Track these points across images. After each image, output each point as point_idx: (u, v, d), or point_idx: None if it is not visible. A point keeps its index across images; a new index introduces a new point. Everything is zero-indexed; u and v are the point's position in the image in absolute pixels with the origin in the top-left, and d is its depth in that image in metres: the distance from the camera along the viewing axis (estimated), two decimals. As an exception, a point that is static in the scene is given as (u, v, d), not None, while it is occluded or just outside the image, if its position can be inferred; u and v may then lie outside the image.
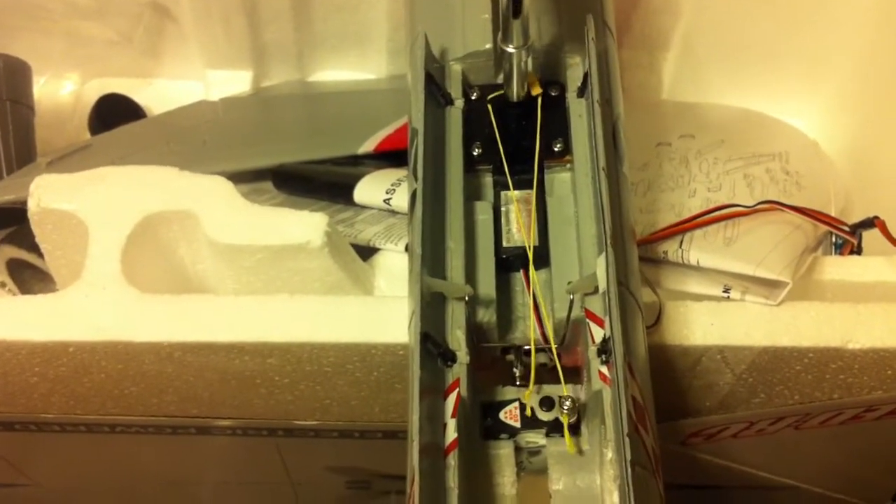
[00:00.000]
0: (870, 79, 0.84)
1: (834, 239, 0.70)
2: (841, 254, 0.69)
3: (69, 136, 0.88)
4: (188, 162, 0.73)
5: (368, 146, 0.75)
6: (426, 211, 0.48)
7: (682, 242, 0.62)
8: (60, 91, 0.91)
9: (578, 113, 0.53)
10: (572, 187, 0.53)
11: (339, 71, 0.94)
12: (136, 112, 0.89)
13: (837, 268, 0.65)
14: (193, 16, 0.87)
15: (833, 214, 0.72)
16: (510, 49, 0.50)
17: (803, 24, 0.84)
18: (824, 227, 0.66)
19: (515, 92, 0.53)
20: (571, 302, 0.48)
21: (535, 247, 0.51)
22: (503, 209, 0.53)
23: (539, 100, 0.53)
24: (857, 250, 0.68)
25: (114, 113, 0.88)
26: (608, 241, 0.45)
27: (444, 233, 0.50)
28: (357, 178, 0.73)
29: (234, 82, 0.92)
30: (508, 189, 0.53)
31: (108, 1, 0.86)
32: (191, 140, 0.80)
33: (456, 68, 0.55)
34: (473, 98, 0.55)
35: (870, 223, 0.65)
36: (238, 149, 0.79)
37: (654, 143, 0.76)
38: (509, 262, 0.52)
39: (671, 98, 0.89)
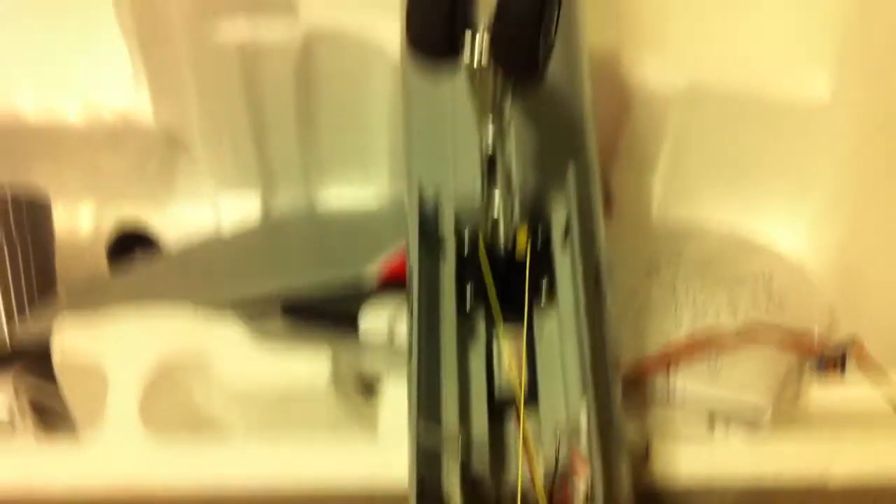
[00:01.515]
0: (852, 197, 0.87)
1: (818, 359, 0.73)
2: (824, 372, 0.72)
3: (87, 263, 0.93)
4: (201, 293, 0.77)
5: (373, 269, 0.79)
6: (422, 360, 0.52)
7: (668, 371, 0.65)
8: (78, 219, 0.95)
9: (563, 257, 0.56)
10: (559, 329, 0.56)
11: (343, 189, 0.99)
12: (151, 243, 0.93)
13: (820, 389, 0.68)
14: (204, 144, 0.92)
15: (816, 334, 0.75)
16: (495, 202, 0.54)
17: (786, 145, 0.88)
18: (807, 349, 0.69)
19: (503, 236, 0.56)
20: (559, 444, 0.51)
21: (525, 385, 0.54)
22: (495, 349, 0.56)
23: (528, 246, 0.57)
24: (841, 368, 0.71)
25: (130, 245, 0.92)
26: (590, 388, 0.49)
27: (440, 376, 0.54)
28: (362, 309, 0.76)
29: (243, 202, 0.96)
30: (500, 329, 0.56)
31: (123, 134, 0.91)
32: (203, 271, 0.84)
33: (449, 210, 0.58)
34: (466, 243, 0.58)
35: (849, 344, 0.68)
36: (247, 279, 0.83)
37: (643, 268, 0.79)
38: (502, 402, 0.55)
39: (661, 216, 0.92)
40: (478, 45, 0.46)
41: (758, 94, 0.85)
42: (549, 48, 0.47)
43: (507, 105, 0.50)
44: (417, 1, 0.46)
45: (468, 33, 0.46)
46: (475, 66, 0.47)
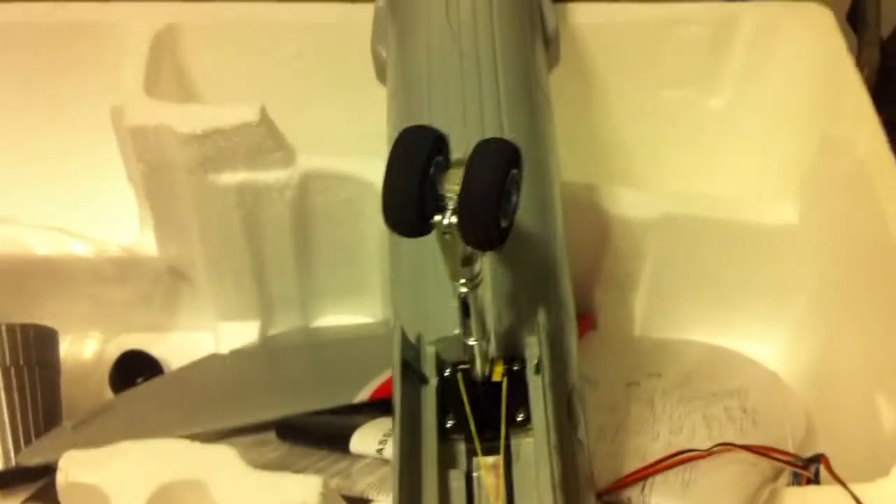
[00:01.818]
0: (827, 305, 0.90)
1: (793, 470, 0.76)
2: (799, 483, 0.75)
3: (92, 391, 0.96)
4: (200, 419, 0.81)
5: (364, 395, 0.83)
6: (403, 487, 0.55)
7: (644, 488, 0.68)
8: (84, 349, 1.00)
9: (536, 388, 0.60)
10: (535, 454, 0.59)
11: (339, 315, 1.03)
12: (153, 366, 0.97)
13: (795, 498, 0.70)
14: (207, 277, 0.96)
15: (791, 446, 0.78)
16: (471, 342, 0.58)
17: (759, 266, 0.92)
18: (780, 462, 0.72)
19: (480, 374, 0.60)
20: (532, 565, 0.54)
21: None
22: (475, 475, 0.60)
23: (504, 381, 0.61)
24: (815, 480, 0.74)
25: (132, 368, 0.96)
26: None
27: (420, 502, 0.57)
28: (353, 429, 0.80)
29: (243, 332, 1.00)
30: (479, 456, 0.59)
31: (129, 268, 0.95)
32: (202, 396, 0.88)
33: (430, 350, 0.62)
34: (447, 374, 0.62)
35: (817, 459, 0.71)
36: (245, 403, 0.87)
37: (624, 382, 0.83)
38: (482, 522, 0.58)
39: (643, 332, 0.97)
40: (446, 224, 0.52)
41: (729, 219, 0.90)
42: (510, 222, 0.53)
43: (478, 260, 0.55)
44: (389, 198, 0.52)
45: (437, 217, 0.52)
46: (444, 239, 0.53)
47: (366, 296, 1.01)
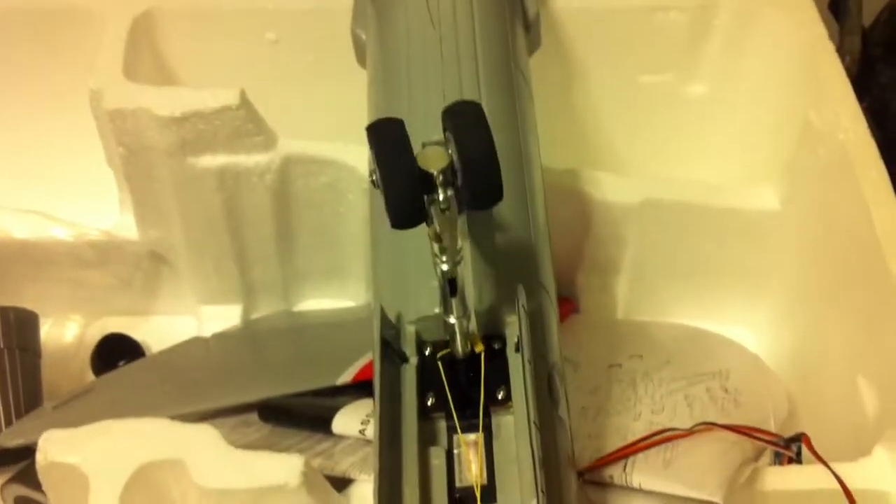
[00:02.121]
0: (807, 290, 0.91)
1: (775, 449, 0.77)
2: (781, 463, 0.75)
3: (72, 375, 0.95)
4: (182, 401, 0.81)
5: (346, 377, 0.83)
6: (384, 463, 0.55)
7: (625, 466, 0.68)
8: (65, 333, 0.99)
9: (516, 366, 0.60)
10: (515, 430, 0.59)
11: (321, 300, 1.03)
12: (135, 349, 0.97)
13: (776, 477, 0.71)
14: (188, 261, 0.96)
15: (773, 426, 0.79)
16: (451, 320, 0.58)
17: (740, 250, 0.92)
18: (761, 441, 0.72)
19: (460, 351, 0.60)
20: (513, 539, 0.54)
21: (483, 486, 0.57)
22: (455, 451, 0.60)
23: (483, 357, 0.61)
24: (797, 460, 0.74)
25: (114, 352, 0.95)
26: (539, 489, 0.52)
27: (401, 479, 0.57)
28: (335, 410, 0.80)
29: (225, 316, 0.99)
30: (459, 434, 0.59)
31: (109, 252, 0.95)
32: (184, 379, 0.88)
33: (410, 330, 0.62)
34: (427, 353, 0.62)
35: (798, 438, 0.72)
36: (227, 386, 0.87)
37: (606, 364, 0.83)
38: (462, 501, 0.58)
39: (625, 316, 0.97)
40: (443, 200, 0.52)
41: (709, 205, 0.90)
42: None
43: (459, 236, 0.55)
44: (394, 195, 0.51)
45: (435, 196, 0.52)
46: (445, 215, 0.53)
47: (348, 280, 1.01)
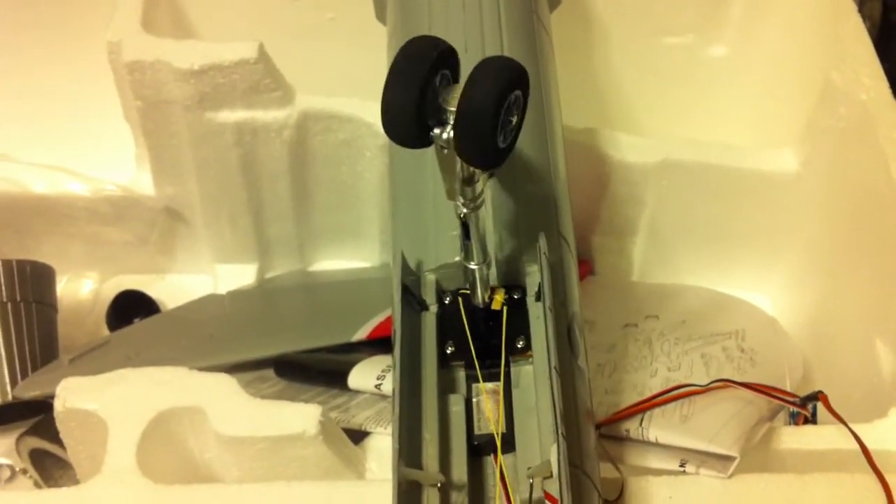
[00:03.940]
0: (824, 254, 0.91)
1: (791, 409, 0.76)
2: (796, 424, 0.75)
3: (88, 331, 0.96)
4: (197, 355, 0.81)
5: (361, 334, 0.83)
6: (403, 408, 0.55)
7: (642, 421, 0.68)
8: (81, 289, 0.99)
9: (536, 315, 0.60)
10: (534, 379, 0.59)
11: (336, 260, 1.03)
12: (150, 306, 0.97)
13: (792, 437, 0.71)
14: (204, 218, 0.96)
15: (788, 386, 0.78)
16: (472, 266, 0.58)
17: (758, 213, 0.92)
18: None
19: (481, 299, 0.60)
20: (531, 485, 0.54)
21: (502, 434, 0.57)
22: (474, 400, 0.60)
23: (503, 305, 0.60)
24: (812, 420, 0.74)
25: (129, 308, 0.96)
26: (559, 432, 0.52)
27: (421, 425, 0.57)
28: (351, 365, 0.80)
29: (240, 274, 1.00)
30: (479, 382, 0.59)
31: (126, 208, 0.95)
32: (200, 334, 0.88)
33: (430, 278, 0.62)
34: (447, 302, 0.62)
35: (815, 397, 0.71)
36: (242, 341, 0.87)
37: (621, 324, 0.83)
38: (480, 448, 0.58)
39: (641, 279, 0.97)
40: (445, 139, 0.51)
41: (729, 166, 0.90)
42: (510, 145, 0.51)
43: (478, 181, 0.55)
44: (388, 102, 0.51)
45: (436, 130, 0.51)
46: (443, 154, 0.52)
47: (363, 240, 1.00)
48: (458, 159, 0.51)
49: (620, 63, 1.02)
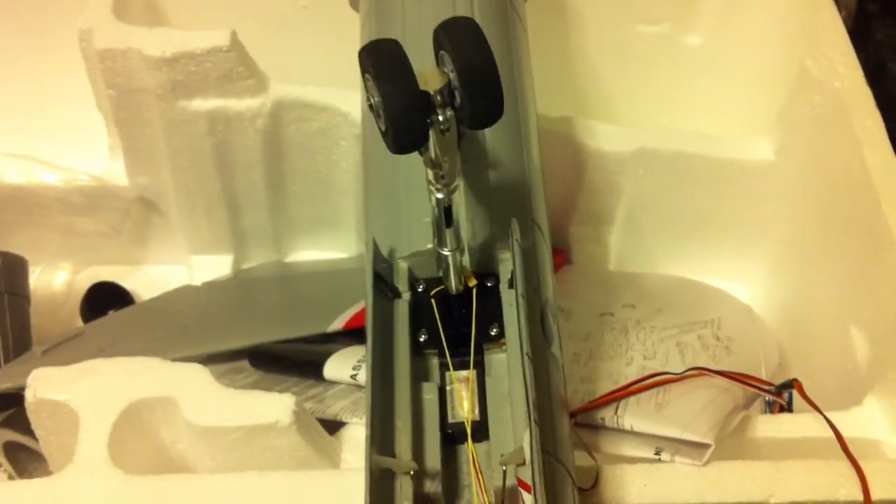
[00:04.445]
0: (799, 243, 0.91)
1: (767, 398, 0.77)
2: (772, 412, 0.75)
3: (61, 322, 0.95)
4: (171, 346, 0.80)
5: (337, 325, 0.82)
6: (375, 396, 0.55)
7: (617, 409, 0.68)
8: (54, 280, 0.99)
9: (510, 302, 0.59)
10: (507, 367, 0.59)
11: (313, 250, 1.03)
12: (125, 298, 0.96)
13: (767, 425, 0.71)
14: (178, 208, 0.95)
15: (763, 374, 0.79)
16: (445, 252, 0.57)
17: (734, 201, 0.92)
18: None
19: (454, 286, 0.60)
20: (504, 472, 0.54)
21: (475, 422, 0.57)
22: (448, 388, 0.59)
23: (474, 292, 0.60)
24: (788, 408, 0.74)
25: (103, 299, 0.95)
26: (531, 419, 0.52)
27: (394, 413, 0.56)
28: (326, 356, 0.79)
29: (216, 265, 0.99)
30: (451, 370, 0.59)
31: (99, 198, 0.94)
32: (174, 325, 0.87)
33: (403, 265, 0.62)
34: (420, 290, 0.62)
35: (790, 384, 0.72)
36: (217, 332, 0.86)
37: (598, 313, 0.83)
38: (453, 436, 0.58)
39: (618, 268, 0.96)
40: (443, 120, 0.51)
41: (705, 155, 0.90)
42: None
43: (457, 165, 0.54)
44: (396, 112, 0.50)
45: (434, 120, 0.51)
46: (444, 136, 0.52)
47: (339, 230, 1.00)
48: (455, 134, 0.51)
49: (596, 52, 1.02)
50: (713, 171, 0.91)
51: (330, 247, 1.02)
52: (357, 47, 0.79)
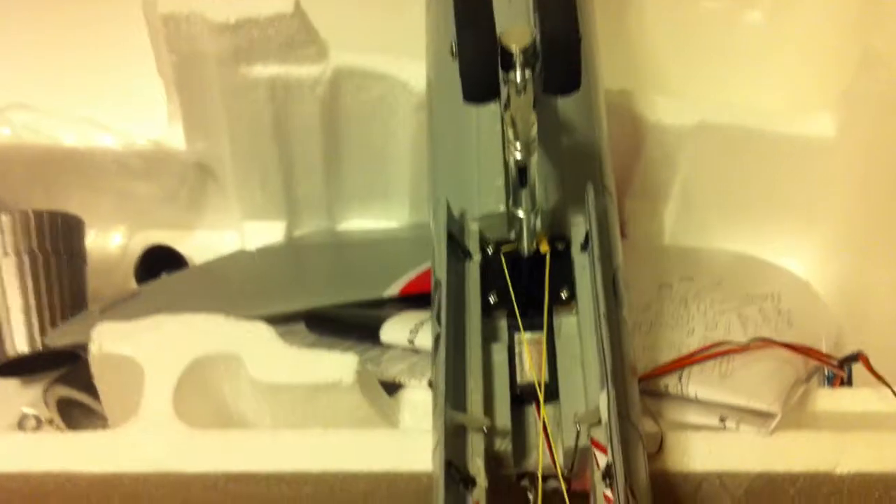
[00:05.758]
0: (859, 222, 0.90)
1: (826, 372, 0.76)
2: (832, 386, 0.74)
3: (116, 285, 0.95)
4: (227, 308, 0.80)
5: (393, 290, 0.82)
6: (448, 353, 0.55)
7: (681, 377, 0.67)
8: (109, 243, 0.99)
9: (582, 265, 0.59)
10: (578, 330, 0.59)
11: (365, 220, 1.02)
12: (179, 261, 0.96)
13: (828, 399, 0.71)
14: (234, 174, 0.95)
15: (824, 349, 0.78)
16: (520, 213, 0.57)
17: (793, 178, 0.91)
18: (815, 362, 0.72)
19: (526, 248, 0.59)
20: (578, 432, 0.54)
21: (545, 383, 0.57)
22: (517, 350, 0.59)
23: (548, 254, 0.60)
24: (848, 382, 0.74)
25: (158, 262, 0.95)
26: (609, 379, 0.51)
27: (465, 372, 0.56)
28: (382, 320, 0.79)
29: (268, 232, 0.99)
30: (521, 332, 0.59)
31: (156, 162, 0.94)
32: (229, 288, 0.88)
33: (473, 227, 0.62)
34: (490, 252, 0.62)
35: (854, 358, 0.71)
36: (273, 295, 0.86)
37: (656, 285, 0.82)
38: (523, 397, 0.58)
39: (673, 243, 0.96)
40: (520, 81, 0.50)
41: (765, 130, 0.89)
42: None
43: (534, 126, 0.54)
44: (469, 51, 0.50)
45: (512, 79, 0.50)
46: (520, 97, 0.51)
47: (392, 200, 1.00)
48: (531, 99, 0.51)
49: (655, 25, 1.01)
50: (773, 146, 0.90)
51: (381, 216, 1.02)
52: (418, 16, 0.80)
